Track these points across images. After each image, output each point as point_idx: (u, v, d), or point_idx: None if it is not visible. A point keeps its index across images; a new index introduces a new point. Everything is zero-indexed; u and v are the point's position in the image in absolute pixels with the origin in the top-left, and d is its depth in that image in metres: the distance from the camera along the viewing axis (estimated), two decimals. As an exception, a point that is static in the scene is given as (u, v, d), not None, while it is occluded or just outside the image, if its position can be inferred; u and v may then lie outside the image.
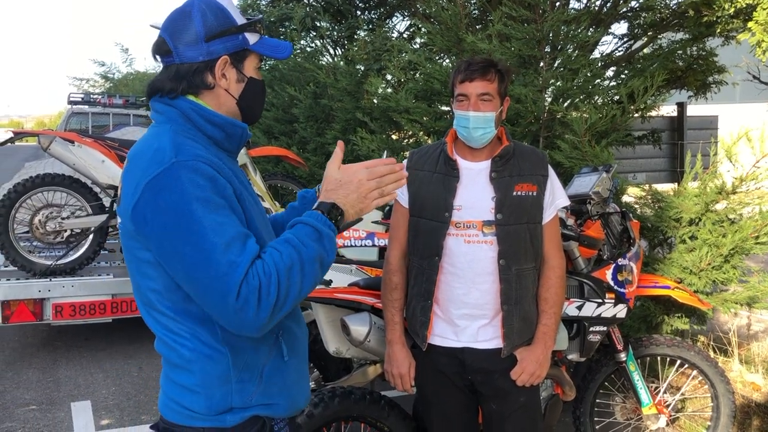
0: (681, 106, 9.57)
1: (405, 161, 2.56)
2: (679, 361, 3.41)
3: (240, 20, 1.62)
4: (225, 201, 1.48)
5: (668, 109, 9.70)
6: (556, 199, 2.47)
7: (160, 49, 1.62)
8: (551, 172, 2.48)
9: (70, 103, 10.94)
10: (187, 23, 1.58)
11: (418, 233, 2.46)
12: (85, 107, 11.19)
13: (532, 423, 2.53)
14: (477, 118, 2.33)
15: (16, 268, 4.85)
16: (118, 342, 5.45)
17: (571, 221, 3.07)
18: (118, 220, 1.62)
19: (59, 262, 4.83)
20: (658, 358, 3.45)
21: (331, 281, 3.41)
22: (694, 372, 3.44)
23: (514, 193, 2.37)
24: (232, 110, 1.65)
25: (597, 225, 3.11)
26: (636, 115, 4.62)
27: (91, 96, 10.85)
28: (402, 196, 2.51)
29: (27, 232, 4.95)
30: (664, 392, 3.47)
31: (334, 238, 1.56)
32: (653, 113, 7.49)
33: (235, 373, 1.57)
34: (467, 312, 2.41)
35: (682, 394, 3.65)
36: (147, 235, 1.48)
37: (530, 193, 2.39)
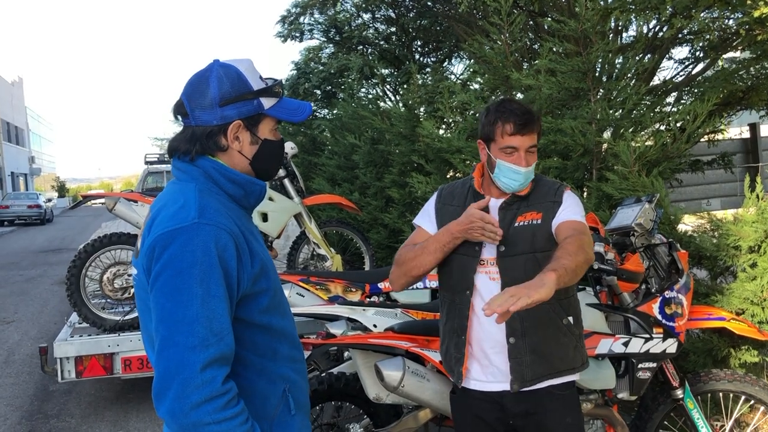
0: (753, 127, 9.19)
1: (435, 195, 2.56)
2: (744, 397, 3.22)
3: (257, 85, 1.69)
4: (225, 277, 1.53)
5: (741, 130, 9.32)
6: (566, 213, 2.31)
7: (179, 110, 1.71)
8: (568, 200, 2.36)
9: (147, 163, 11.59)
10: (204, 88, 1.66)
11: (450, 268, 2.41)
12: (161, 166, 11.75)
13: None
14: (528, 173, 2.32)
15: (88, 325, 5.08)
16: (187, 393, 5.59)
17: (611, 255, 2.99)
18: (134, 271, 1.69)
19: (126, 317, 5.03)
20: (720, 394, 3.27)
21: (375, 326, 3.43)
22: (762, 408, 3.24)
23: (516, 224, 2.32)
24: (245, 170, 1.72)
25: (635, 258, 3.01)
26: (687, 143, 4.46)
27: (165, 156, 11.43)
28: (430, 226, 2.46)
29: (99, 289, 5.19)
30: (731, 430, 3.28)
31: None
32: (719, 136, 7.24)
33: None
34: (500, 351, 2.34)
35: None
36: (150, 280, 1.54)
37: (534, 222, 2.32)
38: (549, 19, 5.33)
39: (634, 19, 5.28)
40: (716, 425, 3.29)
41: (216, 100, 1.64)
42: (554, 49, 5.15)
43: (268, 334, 1.66)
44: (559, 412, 2.36)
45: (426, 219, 2.51)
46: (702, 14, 5.41)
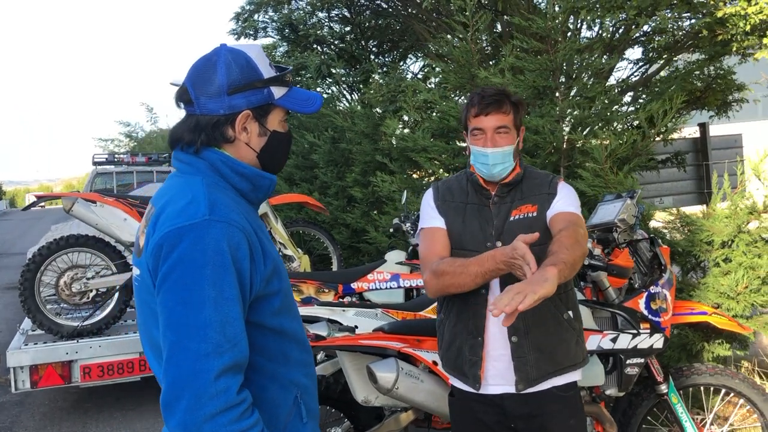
0: (703, 127, 9.44)
1: (430, 194, 2.46)
2: (724, 390, 3.26)
3: (267, 73, 1.58)
4: (238, 278, 1.43)
5: (690, 131, 9.58)
6: (561, 204, 2.25)
7: (182, 97, 1.58)
8: (563, 190, 2.30)
9: (95, 163, 11.16)
10: (210, 74, 1.54)
11: None
12: (109, 167, 11.34)
13: None
14: (495, 154, 2.25)
15: (43, 332, 4.84)
16: (148, 401, 5.39)
17: (598, 251, 2.98)
18: (136, 271, 1.57)
19: (86, 322, 4.81)
20: (702, 387, 3.30)
21: (356, 327, 3.35)
22: (741, 400, 3.28)
23: (512, 218, 2.27)
24: (252, 162, 1.61)
25: (625, 253, 3.01)
26: (657, 139, 4.53)
27: (115, 156, 11.07)
28: (437, 220, 2.36)
29: (53, 294, 4.96)
30: (711, 424, 3.32)
31: None
32: (675, 135, 7.42)
33: None
34: (503, 352, 2.28)
35: (731, 425, 3.49)
36: (157, 281, 1.43)
37: (529, 214, 2.27)
38: (515, 18, 5.32)
39: (599, 20, 5.33)
40: (696, 419, 3.31)
41: (224, 88, 1.53)
42: (520, 47, 5.15)
43: (279, 338, 1.56)
44: (562, 414, 2.31)
45: (434, 219, 2.39)
46: (663, 13, 5.50)
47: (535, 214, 2.28)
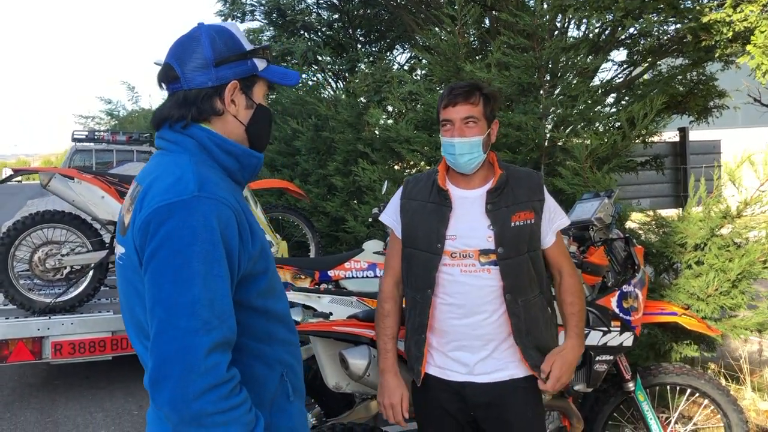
0: (683, 131, 9.55)
1: (400, 189, 2.51)
2: (689, 390, 3.31)
3: (248, 46, 1.60)
4: (226, 256, 1.43)
5: (670, 135, 9.71)
6: (555, 221, 2.39)
7: (166, 75, 1.57)
8: (546, 194, 2.39)
9: (74, 140, 11.04)
10: (195, 48, 1.55)
11: (411, 265, 2.39)
12: (89, 144, 11.22)
13: None
14: (462, 144, 2.27)
15: (14, 307, 4.80)
16: (118, 380, 5.37)
17: (573, 248, 3.02)
18: (120, 250, 1.55)
19: (59, 299, 4.77)
20: (668, 387, 3.36)
21: (331, 314, 3.36)
22: (706, 401, 3.34)
23: (512, 224, 2.28)
24: (240, 137, 1.61)
25: (600, 251, 3.05)
26: (637, 140, 4.57)
27: (95, 133, 10.93)
28: (396, 225, 2.47)
29: (27, 269, 4.91)
30: (675, 422, 3.38)
31: None
32: (655, 138, 7.50)
33: None
34: (466, 344, 2.32)
35: (694, 425, 3.55)
36: (144, 258, 1.43)
37: (528, 222, 2.31)
38: (503, 13, 5.34)
39: (585, 20, 5.36)
40: (661, 417, 3.37)
41: (210, 60, 1.54)
42: (507, 43, 5.17)
43: (264, 318, 1.56)
44: (521, 406, 2.35)
45: (392, 218, 2.49)
46: (649, 16, 5.55)
47: (532, 221, 2.32)
